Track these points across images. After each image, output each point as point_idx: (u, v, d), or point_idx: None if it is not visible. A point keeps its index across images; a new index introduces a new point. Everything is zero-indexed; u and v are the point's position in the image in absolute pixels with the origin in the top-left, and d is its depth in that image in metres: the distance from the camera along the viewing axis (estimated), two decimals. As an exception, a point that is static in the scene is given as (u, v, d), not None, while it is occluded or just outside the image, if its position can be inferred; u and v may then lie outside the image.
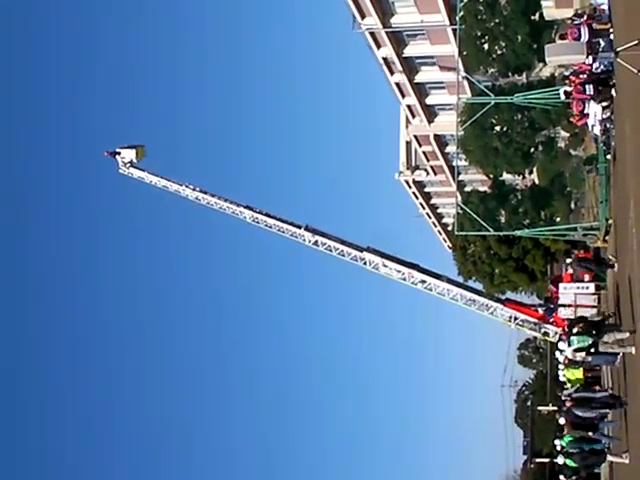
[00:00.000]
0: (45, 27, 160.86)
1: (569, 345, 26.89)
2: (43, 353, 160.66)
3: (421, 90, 63.29)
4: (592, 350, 27.06)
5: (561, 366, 29.79)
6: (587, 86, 30.45)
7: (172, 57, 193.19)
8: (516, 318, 39.87)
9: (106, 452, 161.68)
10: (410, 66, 60.13)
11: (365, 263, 41.73)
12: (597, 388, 28.74)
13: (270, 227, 44.40)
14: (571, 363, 27.92)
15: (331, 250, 42.56)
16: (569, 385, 28.86)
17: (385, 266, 41.30)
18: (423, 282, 41.00)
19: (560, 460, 28.46)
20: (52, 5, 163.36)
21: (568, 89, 32.69)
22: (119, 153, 47.91)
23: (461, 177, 61.86)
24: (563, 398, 28.89)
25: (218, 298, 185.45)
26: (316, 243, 42.91)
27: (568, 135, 48.03)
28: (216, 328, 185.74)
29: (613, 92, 29.79)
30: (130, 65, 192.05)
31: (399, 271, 41.21)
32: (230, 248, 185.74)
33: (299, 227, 43.24)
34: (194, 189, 46.65)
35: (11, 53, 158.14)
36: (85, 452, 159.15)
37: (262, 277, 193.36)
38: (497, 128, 48.17)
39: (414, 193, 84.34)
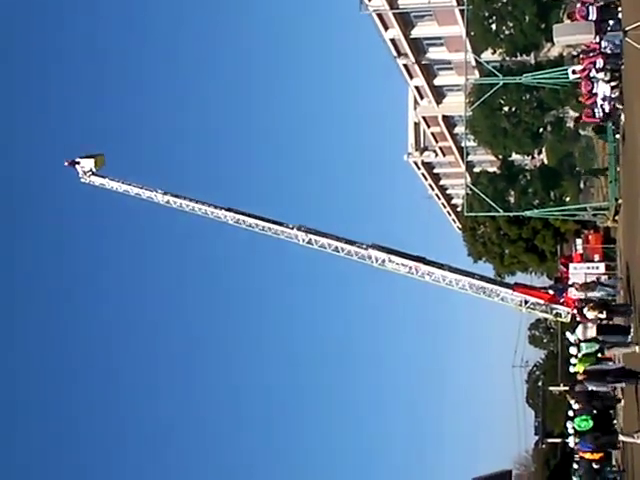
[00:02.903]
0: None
1: (579, 351, 27.40)
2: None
3: (429, 71, 63.13)
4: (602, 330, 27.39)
5: (573, 360, 29.96)
6: (596, 109, 31.17)
7: (162, 51, 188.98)
8: (527, 302, 39.64)
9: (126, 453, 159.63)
10: (418, 47, 59.96)
11: (371, 260, 41.52)
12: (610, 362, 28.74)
13: (252, 227, 43.87)
14: (584, 356, 27.99)
15: (326, 248, 41.95)
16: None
17: (392, 262, 41.02)
18: (430, 274, 40.79)
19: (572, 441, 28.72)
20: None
21: (577, 68, 32.64)
22: (78, 163, 47.89)
23: (470, 158, 61.88)
24: (573, 370, 29.09)
25: (221, 299, 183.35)
26: (310, 242, 42.35)
27: (577, 115, 47.93)
28: (216, 329, 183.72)
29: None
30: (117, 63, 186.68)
31: (406, 265, 40.96)
32: (231, 249, 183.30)
33: (290, 227, 42.69)
34: (165, 193, 46.04)
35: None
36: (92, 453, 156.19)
37: (268, 276, 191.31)
38: (506, 108, 48.11)
39: (423, 174, 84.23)
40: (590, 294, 33.91)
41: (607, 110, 32.57)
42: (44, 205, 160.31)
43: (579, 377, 27.31)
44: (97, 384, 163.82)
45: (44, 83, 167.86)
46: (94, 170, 47.92)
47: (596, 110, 32.26)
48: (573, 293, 36.58)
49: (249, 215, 44.19)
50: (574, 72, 33.22)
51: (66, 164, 48.46)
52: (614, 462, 31.24)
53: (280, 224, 43.22)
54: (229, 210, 44.60)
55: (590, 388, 26.63)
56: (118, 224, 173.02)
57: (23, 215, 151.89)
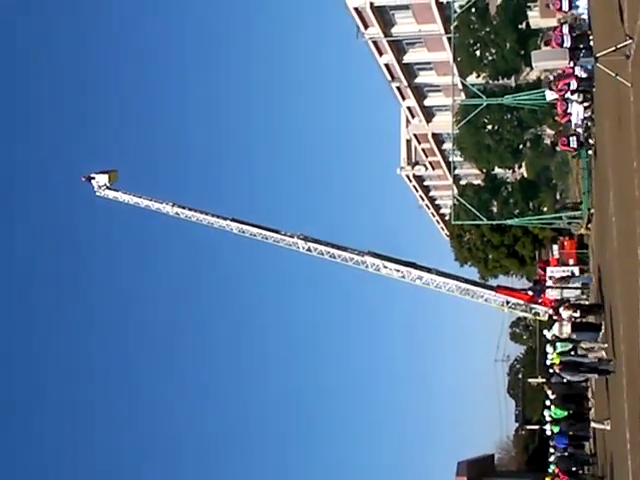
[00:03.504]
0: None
1: (554, 349, 27.32)
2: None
3: (420, 93, 63.20)
4: (577, 327, 27.35)
5: (550, 355, 29.92)
6: (571, 138, 31.42)
7: (171, 65, 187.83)
8: (508, 302, 39.59)
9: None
10: (409, 71, 60.08)
11: (367, 266, 41.25)
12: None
13: (254, 235, 43.42)
14: (559, 353, 27.89)
15: (324, 255, 41.63)
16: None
17: (385, 267, 40.80)
18: (421, 278, 40.60)
19: (549, 428, 28.59)
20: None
21: (554, 87, 32.73)
22: (94, 178, 47.76)
23: (457, 171, 61.95)
24: (549, 363, 28.93)
25: (221, 302, 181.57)
26: (309, 249, 42.00)
27: (553, 133, 48.02)
28: (216, 330, 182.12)
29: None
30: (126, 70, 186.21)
31: (398, 270, 40.76)
32: (229, 255, 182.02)
33: (290, 236, 42.28)
34: (173, 205, 45.72)
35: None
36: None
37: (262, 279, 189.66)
38: (489, 127, 48.19)
39: (414, 187, 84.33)
40: (566, 292, 33.93)
41: (581, 131, 32.69)
42: (62, 216, 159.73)
43: (555, 368, 27.26)
44: (98, 386, 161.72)
45: (68, 108, 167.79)
46: (108, 185, 47.64)
47: (571, 139, 32.43)
48: (550, 294, 36.63)
49: (252, 225, 43.69)
50: (551, 89, 33.30)
51: (83, 179, 48.24)
52: (587, 448, 31.17)
53: (280, 233, 42.96)
54: (233, 220, 44.14)
55: (565, 378, 26.59)
56: (129, 233, 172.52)
57: (43, 225, 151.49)
